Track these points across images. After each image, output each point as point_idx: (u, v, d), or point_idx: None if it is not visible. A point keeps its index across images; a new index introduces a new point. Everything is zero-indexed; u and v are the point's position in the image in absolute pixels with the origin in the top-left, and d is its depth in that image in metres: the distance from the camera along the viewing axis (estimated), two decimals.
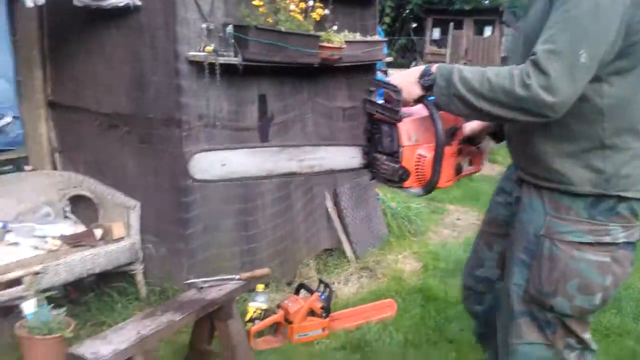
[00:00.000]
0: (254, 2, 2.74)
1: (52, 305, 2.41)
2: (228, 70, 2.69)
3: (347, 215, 3.81)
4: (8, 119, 2.48)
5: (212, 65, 2.61)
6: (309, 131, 3.48)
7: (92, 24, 2.74)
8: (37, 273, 2.41)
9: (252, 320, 2.63)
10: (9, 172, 3.00)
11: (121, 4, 2.55)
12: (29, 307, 2.32)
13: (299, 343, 2.61)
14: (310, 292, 2.81)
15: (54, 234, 2.71)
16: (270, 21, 2.80)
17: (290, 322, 2.62)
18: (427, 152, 1.52)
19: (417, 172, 1.54)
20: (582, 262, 1.43)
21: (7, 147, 2.60)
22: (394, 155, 1.55)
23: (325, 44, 3.17)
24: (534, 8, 1.47)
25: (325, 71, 3.45)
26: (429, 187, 1.56)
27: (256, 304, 2.68)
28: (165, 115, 2.65)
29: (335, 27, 3.35)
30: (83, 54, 2.83)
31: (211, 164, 1.59)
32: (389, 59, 4.82)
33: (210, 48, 2.61)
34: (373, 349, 2.59)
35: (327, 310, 2.73)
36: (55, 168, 3.10)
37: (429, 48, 8.97)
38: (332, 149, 1.71)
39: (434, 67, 1.46)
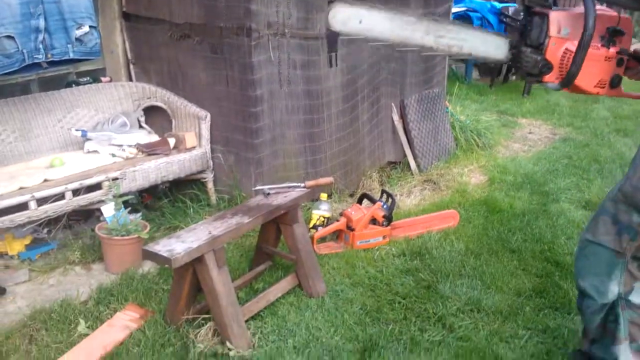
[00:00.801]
0: None
1: (129, 209, 2.60)
2: None
3: (413, 128, 3.77)
4: (86, 29, 2.56)
5: None
6: None
7: None
8: (115, 179, 2.58)
9: (315, 227, 2.75)
10: (86, 84, 3.13)
11: None
12: (108, 210, 2.51)
13: (360, 249, 2.71)
14: (373, 201, 2.87)
15: (130, 142, 2.86)
16: None
17: (352, 230, 2.71)
18: (575, 47, 1.47)
19: (560, 66, 1.51)
20: None
21: (85, 57, 2.70)
22: (539, 47, 1.53)
23: None
24: None
25: None
26: (567, 78, 1.51)
27: (319, 212, 2.78)
28: (235, 23, 2.65)
29: None
30: None
31: (349, 17, 1.60)
32: None
33: None
34: (432, 255, 2.65)
35: (389, 219, 2.79)
36: (130, 79, 3.21)
37: None
38: (476, 33, 1.67)
39: None
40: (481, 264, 2.60)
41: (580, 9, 1.44)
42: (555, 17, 1.47)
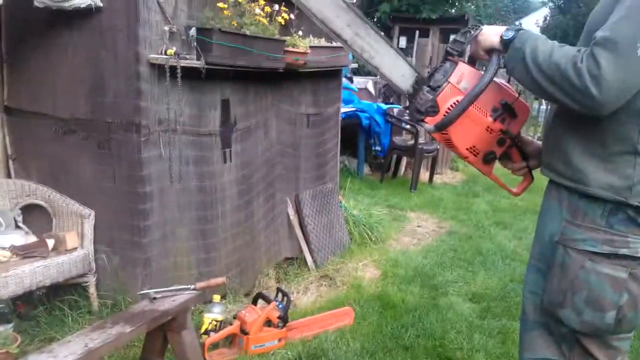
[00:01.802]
0: (218, 5, 2.70)
1: None
2: (190, 74, 2.63)
3: (308, 223, 3.79)
4: None
5: (173, 69, 2.55)
6: (272, 138, 3.45)
7: (52, 25, 2.63)
8: None
9: (207, 332, 2.58)
10: None
11: (83, 5, 2.46)
12: None
13: (255, 354, 2.57)
14: (268, 301, 2.78)
15: (3, 244, 2.59)
16: (235, 24, 2.77)
17: (246, 333, 2.58)
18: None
19: (445, 114, 1.50)
20: (593, 274, 1.32)
21: None
22: (436, 89, 1.53)
23: (290, 48, 3.15)
24: (600, 3, 1.40)
25: (290, 76, 3.43)
26: (441, 124, 1.49)
27: (212, 315, 2.63)
28: (124, 119, 2.58)
29: (300, 32, 3.33)
30: (42, 56, 2.72)
31: None
32: (354, 66, 4.83)
33: (172, 51, 2.55)
34: (329, 358, 2.58)
35: (284, 319, 2.70)
36: (9, 176, 2.96)
37: None
38: (391, 53, 1.64)
39: (523, 30, 1.43)
40: None
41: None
42: (462, 68, 1.51)
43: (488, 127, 1.52)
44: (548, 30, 15.73)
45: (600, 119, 1.27)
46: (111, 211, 2.71)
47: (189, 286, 2.25)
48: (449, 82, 1.50)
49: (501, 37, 1.42)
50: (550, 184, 1.48)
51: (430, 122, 1.51)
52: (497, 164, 1.66)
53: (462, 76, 1.50)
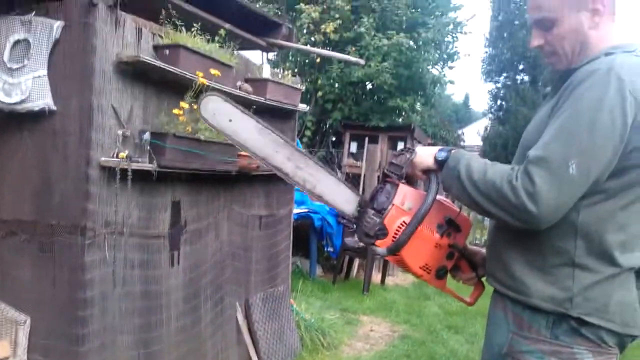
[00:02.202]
0: (174, 111, 2.77)
1: None
2: (141, 177, 2.63)
3: (258, 328, 3.67)
4: None
5: (124, 171, 2.55)
6: (223, 239, 3.42)
7: (4, 127, 2.62)
8: None
9: None
10: None
11: (36, 108, 2.48)
12: None
13: None
14: None
15: None
16: (189, 130, 2.83)
17: None
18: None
19: (394, 236, 1.52)
20: None
21: None
22: (381, 212, 1.55)
23: (243, 152, 3.22)
24: (534, 118, 1.47)
25: (243, 179, 3.48)
26: (393, 247, 1.52)
27: None
28: (69, 222, 2.51)
29: None
30: None
31: (220, 111, 1.57)
32: None
33: (124, 154, 2.57)
34: None
35: None
36: None
37: (347, 160, 9.38)
38: (332, 180, 1.67)
39: (455, 149, 1.48)
40: None
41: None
42: (403, 189, 1.56)
43: (436, 244, 1.57)
44: (489, 139, 16.72)
45: (538, 232, 1.31)
46: (49, 318, 2.55)
47: None
48: (393, 204, 1.55)
49: (435, 157, 1.50)
50: (495, 293, 1.50)
51: (381, 246, 1.56)
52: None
53: (405, 197, 1.56)
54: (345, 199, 1.69)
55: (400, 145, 10.40)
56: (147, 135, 2.69)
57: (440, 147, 1.54)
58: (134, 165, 2.58)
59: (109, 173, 2.57)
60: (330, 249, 6.78)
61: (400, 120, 10.53)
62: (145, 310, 2.78)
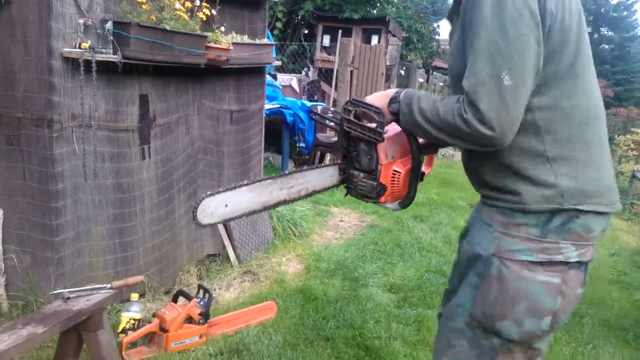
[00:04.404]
0: None
1: None
2: (106, 69, 2.57)
3: None
4: None
5: (88, 63, 2.48)
6: (194, 134, 3.42)
7: None
8: None
9: (124, 331, 2.53)
10: None
11: None
12: None
13: (175, 352, 2.56)
14: (189, 298, 2.76)
15: None
16: (154, 19, 2.72)
17: (165, 331, 2.56)
18: (401, 168, 1.57)
19: (392, 187, 1.58)
20: (532, 284, 1.35)
21: None
22: (372, 172, 1.58)
23: (212, 44, 3.14)
24: (451, 45, 1.45)
25: (212, 73, 3.41)
26: (407, 201, 1.60)
27: (129, 314, 2.58)
28: (35, 114, 2.48)
29: (222, 29, 3.32)
30: None
31: (216, 206, 1.54)
32: (278, 63, 4.85)
33: (86, 45, 2.48)
34: (250, 352, 2.61)
35: (205, 316, 2.70)
36: None
37: (319, 54, 9.17)
38: (314, 172, 1.71)
39: (401, 94, 1.46)
40: (298, 355, 2.62)
41: (394, 127, 1.56)
42: (383, 147, 1.56)
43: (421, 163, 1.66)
44: None
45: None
46: (21, 209, 2.60)
47: (105, 285, 2.21)
48: (380, 164, 1.57)
49: (390, 112, 1.49)
50: (480, 204, 1.53)
51: (387, 200, 1.60)
52: None
53: (386, 151, 1.57)
54: (329, 175, 1.72)
55: (374, 40, 10.18)
56: (109, 25, 2.58)
57: (387, 97, 1.51)
58: (98, 57, 2.50)
59: (72, 64, 2.50)
60: (302, 145, 6.84)
61: (374, 11, 10.21)
62: (119, 202, 2.84)
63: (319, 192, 1.75)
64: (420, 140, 1.57)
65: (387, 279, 3.77)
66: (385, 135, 1.55)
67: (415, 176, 1.58)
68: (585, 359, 2.90)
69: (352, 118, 1.59)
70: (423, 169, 1.76)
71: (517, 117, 1.26)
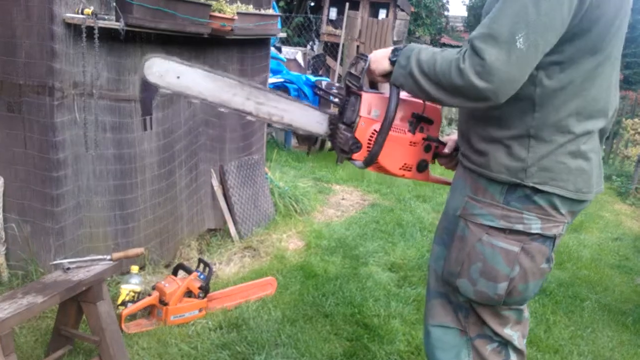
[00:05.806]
0: None
1: None
2: (109, 36, 2.51)
3: (233, 194, 3.77)
4: None
5: (90, 29, 2.42)
6: (196, 106, 3.37)
7: None
8: None
9: (124, 303, 2.53)
10: None
11: None
12: None
13: (174, 325, 2.56)
14: (189, 272, 2.75)
15: None
16: None
17: (165, 304, 2.55)
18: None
19: (368, 146, 1.55)
20: (488, 247, 1.40)
21: None
22: (351, 125, 1.57)
23: (216, 14, 3.07)
24: None
25: (216, 43, 3.35)
26: (369, 159, 1.56)
27: (129, 286, 2.57)
28: (36, 81, 2.43)
29: None
30: None
31: (166, 71, 1.51)
32: (283, 35, 4.77)
33: (89, 10, 2.42)
34: (250, 326, 2.61)
35: (205, 290, 2.69)
36: None
37: (325, 28, 9.03)
38: (298, 105, 1.67)
39: (405, 48, 1.44)
40: (297, 331, 2.62)
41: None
42: (367, 98, 1.55)
43: (410, 142, 1.60)
44: (474, 9, 16.16)
45: (499, 108, 1.33)
46: (22, 178, 2.57)
47: (105, 256, 2.19)
48: (360, 116, 1.55)
49: (389, 60, 1.48)
50: (460, 164, 1.56)
51: (358, 158, 1.58)
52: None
53: (370, 105, 1.55)
54: (315, 121, 1.68)
55: (382, 14, 10.02)
56: None
57: (392, 48, 1.50)
58: (101, 23, 2.44)
59: (74, 31, 2.44)
60: None
61: None
62: (120, 173, 2.81)
63: (299, 130, 1.70)
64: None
65: (387, 258, 3.76)
66: (376, 93, 1.55)
67: (382, 133, 1.53)
68: (584, 343, 2.90)
69: (352, 71, 1.59)
70: (443, 178, 1.78)
71: (517, 79, 1.25)
